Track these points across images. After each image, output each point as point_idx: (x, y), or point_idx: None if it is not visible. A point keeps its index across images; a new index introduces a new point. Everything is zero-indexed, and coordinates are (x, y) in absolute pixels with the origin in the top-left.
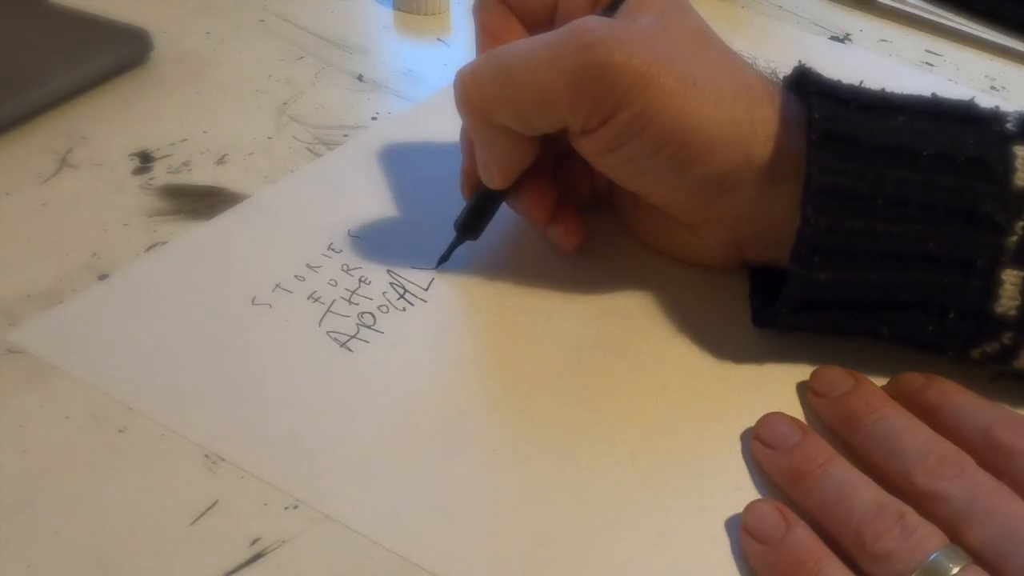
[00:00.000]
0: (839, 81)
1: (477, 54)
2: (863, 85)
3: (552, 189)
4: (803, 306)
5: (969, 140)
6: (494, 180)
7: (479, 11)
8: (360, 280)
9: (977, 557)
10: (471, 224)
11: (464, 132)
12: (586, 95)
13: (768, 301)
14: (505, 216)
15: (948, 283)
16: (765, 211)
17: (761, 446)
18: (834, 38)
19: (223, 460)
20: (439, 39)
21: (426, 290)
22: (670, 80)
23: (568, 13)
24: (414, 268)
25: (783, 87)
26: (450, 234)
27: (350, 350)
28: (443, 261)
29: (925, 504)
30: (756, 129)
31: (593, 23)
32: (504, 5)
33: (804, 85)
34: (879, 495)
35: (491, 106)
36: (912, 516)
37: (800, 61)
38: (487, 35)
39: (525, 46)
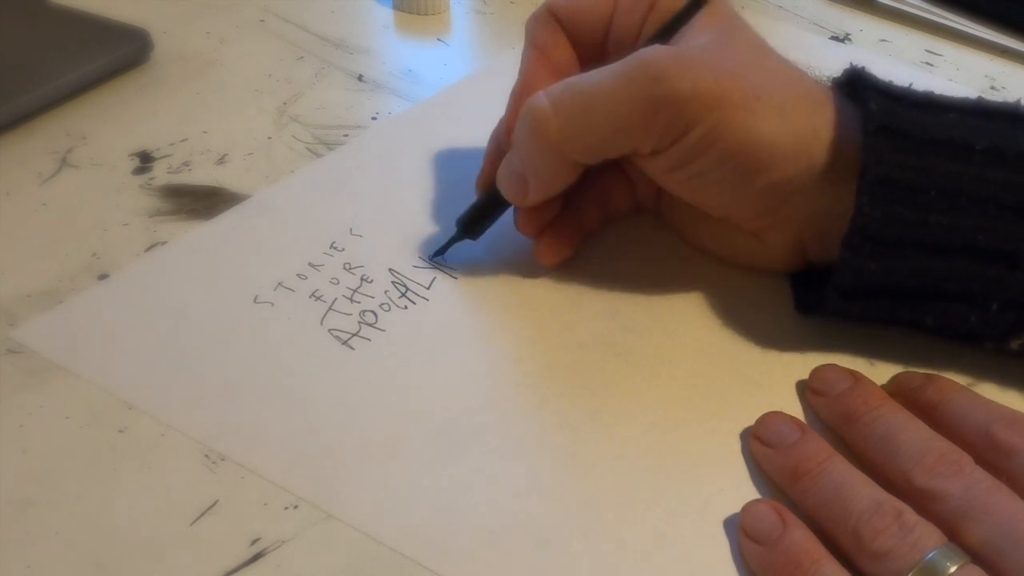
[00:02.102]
0: (890, 81)
1: (521, 66)
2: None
3: (555, 207)
4: (850, 294)
5: (1020, 136)
6: (527, 200)
7: (533, 25)
8: (362, 279)
9: (975, 556)
10: (474, 224)
11: (495, 138)
12: (659, 122)
13: (810, 288)
14: (509, 215)
15: (994, 275)
16: (828, 211)
17: (760, 445)
18: (834, 38)
19: (223, 460)
20: (439, 39)
21: (428, 288)
22: (736, 95)
23: (621, 33)
24: (416, 267)
25: (835, 88)
26: (451, 230)
27: (352, 348)
28: (438, 255)
29: (923, 502)
30: (819, 134)
31: (660, 53)
32: (556, 22)
33: (859, 82)
34: (877, 493)
35: (567, 140)
36: (910, 514)
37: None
38: (535, 50)
39: (596, 80)
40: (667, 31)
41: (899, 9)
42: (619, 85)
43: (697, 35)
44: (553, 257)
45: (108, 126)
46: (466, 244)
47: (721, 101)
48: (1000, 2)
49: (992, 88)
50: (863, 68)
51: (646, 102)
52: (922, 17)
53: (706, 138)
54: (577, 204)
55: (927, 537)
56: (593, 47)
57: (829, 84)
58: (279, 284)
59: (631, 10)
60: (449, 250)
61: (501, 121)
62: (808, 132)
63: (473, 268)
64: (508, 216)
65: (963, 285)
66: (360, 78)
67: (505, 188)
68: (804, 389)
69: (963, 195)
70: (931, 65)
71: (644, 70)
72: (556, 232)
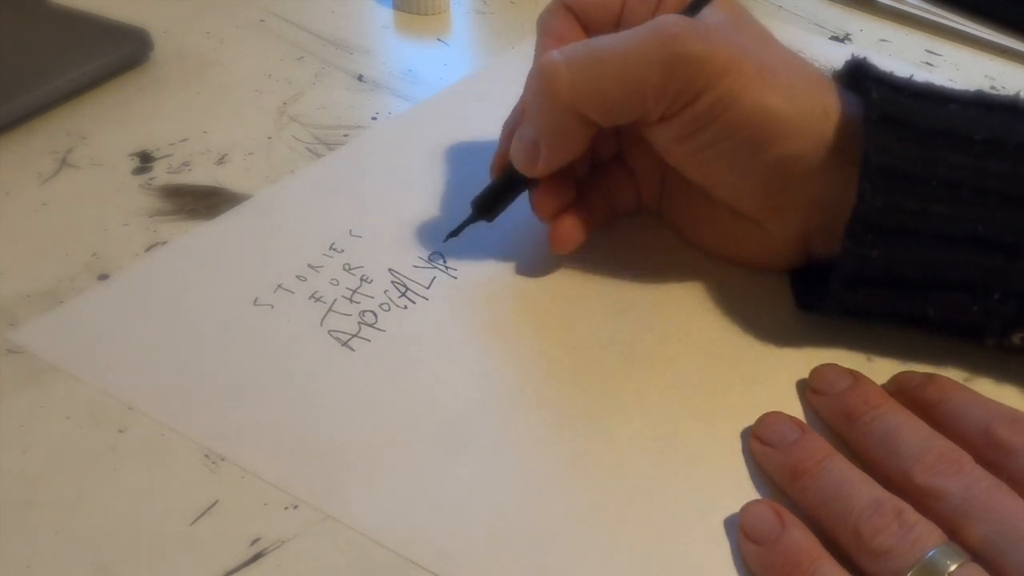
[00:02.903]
0: (891, 72)
1: (537, 53)
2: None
3: (570, 191)
4: (852, 283)
5: (1020, 128)
6: (537, 168)
7: (545, 16)
8: (361, 279)
9: (975, 554)
10: (490, 205)
11: (508, 125)
12: (672, 84)
13: (811, 285)
14: (511, 215)
15: (995, 266)
16: (834, 198)
17: (760, 444)
18: (834, 38)
19: (223, 460)
20: (439, 39)
21: (428, 288)
22: (749, 66)
23: (632, 23)
24: (415, 267)
25: (836, 79)
26: (452, 228)
27: (352, 349)
28: (452, 236)
29: (923, 501)
30: (829, 113)
31: (676, 19)
32: (569, 12)
33: (860, 72)
34: (877, 492)
35: (579, 95)
36: (910, 513)
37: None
38: (549, 37)
39: (611, 40)
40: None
41: (899, 9)
42: (635, 44)
43: (708, 15)
44: (566, 243)
45: (108, 126)
46: (468, 244)
47: (734, 69)
48: (1000, 2)
49: (992, 88)
50: (864, 59)
51: (661, 61)
52: (922, 17)
53: (717, 105)
54: (586, 198)
55: (927, 535)
56: None
57: (832, 75)
58: (279, 286)
59: (643, 1)
60: (461, 234)
61: (514, 109)
62: (819, 110)
63: (473, 267)
64: (513, 217)
65: (964, 275)
66: (360, 78)
67: (518, 158)
68: (804, 388)
69: (964, 186)
70: (931, 65)
71: (661, 31)
72: (569, 220)
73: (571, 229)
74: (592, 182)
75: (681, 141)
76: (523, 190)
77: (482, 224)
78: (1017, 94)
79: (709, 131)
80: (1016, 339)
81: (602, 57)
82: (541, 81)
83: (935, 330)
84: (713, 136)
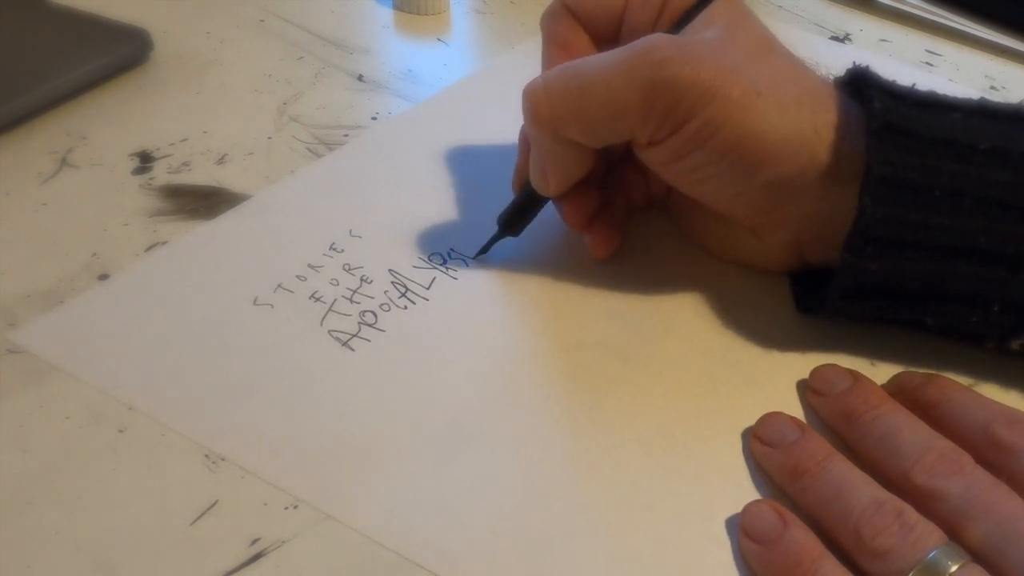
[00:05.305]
0: (894, 80)
1: (543, 64)
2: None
3: (595, 198)
4: (851, 293)
5: (1023, 137)
6: (549, 189)
7: (547, 21)
8: (362, 279)
9: (975, 555)
10: (514, 221)
11: (523, 133)
12: (656, 109)
13: (810, 288)
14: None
15: (996, 277)
16: (829, 213)
17: (760, 444)
18: (834, 38)
19: (223, 460)
20: (439, 39)
21: (428, 288)
22: (735, 91)
23: (634, 27)
24: (415, 267)
25: (838, 88)
26: (452, 230)
27: (352, 349)
28: (481, 253)
29: (923, 501)
30: (820, 133)
31: (662, 41)
32: (572, 17)
33: (862, 81)
34: (877, 492)
35: (563, 121)
36: (911, 513)
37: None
38: (554, 45)
39: (596, 63)
40: (680, 24)
41: (899, 9)
42: (619, 69)
43: (704, 27)
44: (606, 248)
45: (108, 126)
46: (468, 245)
47: (720, 94)
48: (1000, 2)
49: (992, 88)
50: (867, 67)
51: (645, 87)
52: (922, 17)
53: (703, 131)
54: (608, 198)
55: (928, 536)
56: (607, 42)
57: (833, 82)
58: (279, 286)
59: (644, 4)
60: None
61: None
62: (809, 130)
63: (473, 268)
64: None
65: (964, 286)
66: (360, 78)
67: (534, 182)
68: (804, 389)
69: (966, 195)
70: (931, 65)
71: (645, 56)
72: (602, 224)
73: (607, 234)
74: (610, 181)
75: (670, 164)
76: (545, 202)
77: (484, 226)
78: (1020, 102)
79: (696, 156)
80: (1015, 345)
81: (585, 81)
82: (525, 108)
83: (933, 334)
84: (700, 160)
